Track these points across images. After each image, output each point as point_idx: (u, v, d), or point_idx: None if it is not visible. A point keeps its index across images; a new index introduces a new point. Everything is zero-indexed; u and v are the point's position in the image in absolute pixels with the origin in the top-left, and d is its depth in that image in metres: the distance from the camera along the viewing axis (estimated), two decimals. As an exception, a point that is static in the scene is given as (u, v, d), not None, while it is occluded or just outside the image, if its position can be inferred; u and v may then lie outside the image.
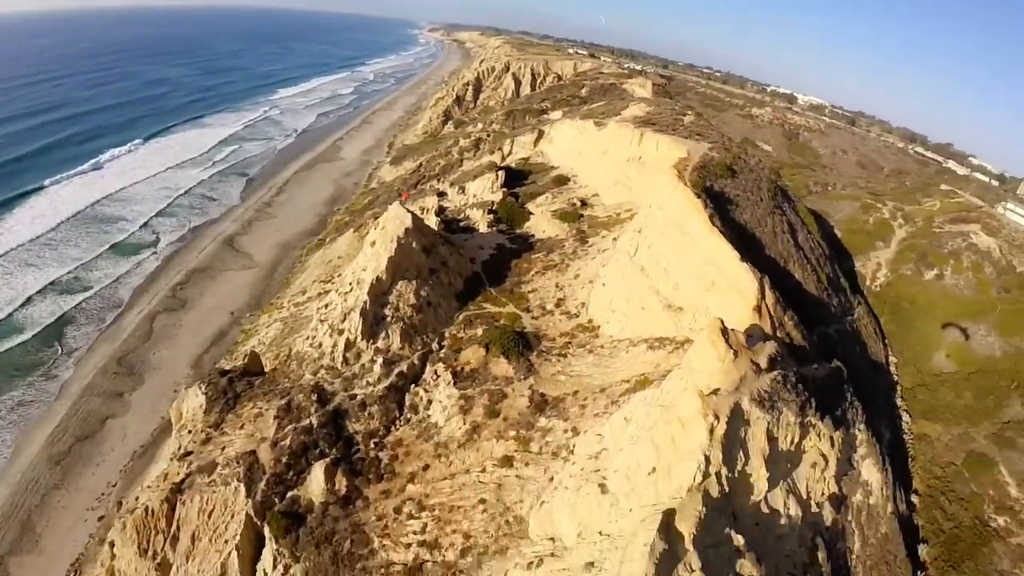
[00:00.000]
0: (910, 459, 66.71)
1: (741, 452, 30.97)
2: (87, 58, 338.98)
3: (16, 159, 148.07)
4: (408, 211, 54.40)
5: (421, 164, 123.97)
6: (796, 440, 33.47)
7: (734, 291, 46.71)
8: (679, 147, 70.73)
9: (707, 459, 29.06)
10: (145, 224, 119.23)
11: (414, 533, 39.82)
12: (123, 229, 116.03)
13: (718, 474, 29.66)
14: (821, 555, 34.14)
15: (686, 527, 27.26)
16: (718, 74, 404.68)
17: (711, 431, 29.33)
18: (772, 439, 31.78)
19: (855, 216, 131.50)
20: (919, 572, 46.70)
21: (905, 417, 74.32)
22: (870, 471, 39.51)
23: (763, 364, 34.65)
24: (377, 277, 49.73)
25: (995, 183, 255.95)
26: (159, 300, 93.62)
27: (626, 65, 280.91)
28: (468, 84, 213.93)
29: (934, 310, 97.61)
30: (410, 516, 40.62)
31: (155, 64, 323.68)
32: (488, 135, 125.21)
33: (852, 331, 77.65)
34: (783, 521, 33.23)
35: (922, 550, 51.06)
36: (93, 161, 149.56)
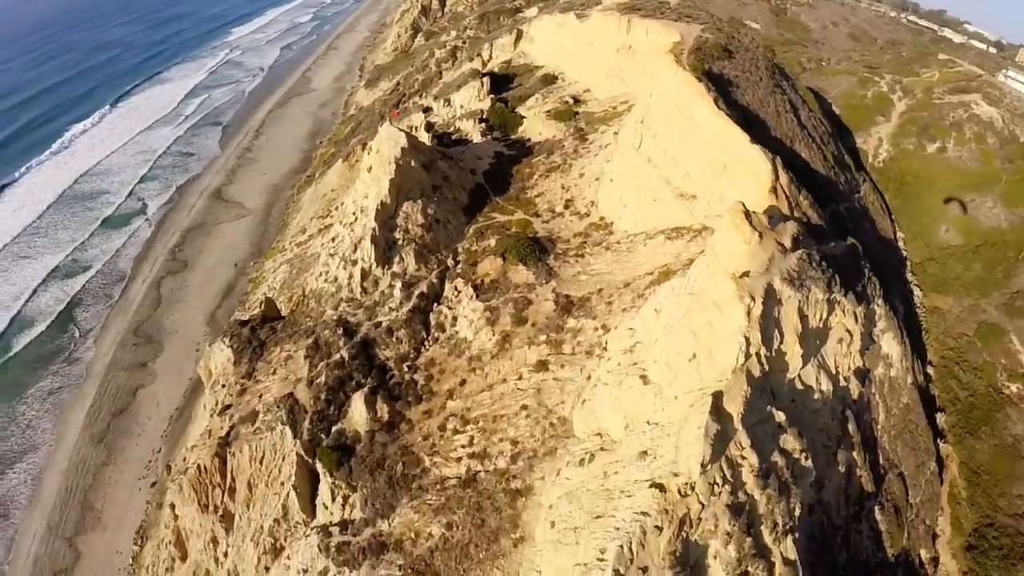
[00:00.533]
0: (924, 332, 67.01)
1: (776, 331, 31.21)
2: (20, 38, 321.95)
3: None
4: (401, 130, 52.30)
5: (399, 83, 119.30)
6: (824, 317, 33.77)
7: (747, 174, 45.60)
8: (671, 31, 67.17)
9: (747, 340, 29.43)
10: (130, 193, 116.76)
11: (462, 447, 40.38)
12: (109, 202, 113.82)
13: (758, 354, 30.05)
14: (851, 427, 35.11)
15: (734, 407, 27.85)
16: None
17: (748, 312, 29.49)
18: (803, 317, 32.09)
19: (853, 91, 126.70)
20: (938, 439, 47.77)
21: (916, 291, 74.35)
22: (890, 344, 40.04)
23: (787, 244, 34.44)
24: (381, 202, 48.40)
25: (993, 50, 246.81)
26: (160, 265, 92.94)
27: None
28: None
29: (939, 183, 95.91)
30: (455, 431, 41.13)
31: (95, 29, 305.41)
32: (464, 42, 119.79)
33: (860, 208, 77.02)
34: (816, 396, 33.75)
35: (940, 418, 51.91)
36: (60, 141, 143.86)
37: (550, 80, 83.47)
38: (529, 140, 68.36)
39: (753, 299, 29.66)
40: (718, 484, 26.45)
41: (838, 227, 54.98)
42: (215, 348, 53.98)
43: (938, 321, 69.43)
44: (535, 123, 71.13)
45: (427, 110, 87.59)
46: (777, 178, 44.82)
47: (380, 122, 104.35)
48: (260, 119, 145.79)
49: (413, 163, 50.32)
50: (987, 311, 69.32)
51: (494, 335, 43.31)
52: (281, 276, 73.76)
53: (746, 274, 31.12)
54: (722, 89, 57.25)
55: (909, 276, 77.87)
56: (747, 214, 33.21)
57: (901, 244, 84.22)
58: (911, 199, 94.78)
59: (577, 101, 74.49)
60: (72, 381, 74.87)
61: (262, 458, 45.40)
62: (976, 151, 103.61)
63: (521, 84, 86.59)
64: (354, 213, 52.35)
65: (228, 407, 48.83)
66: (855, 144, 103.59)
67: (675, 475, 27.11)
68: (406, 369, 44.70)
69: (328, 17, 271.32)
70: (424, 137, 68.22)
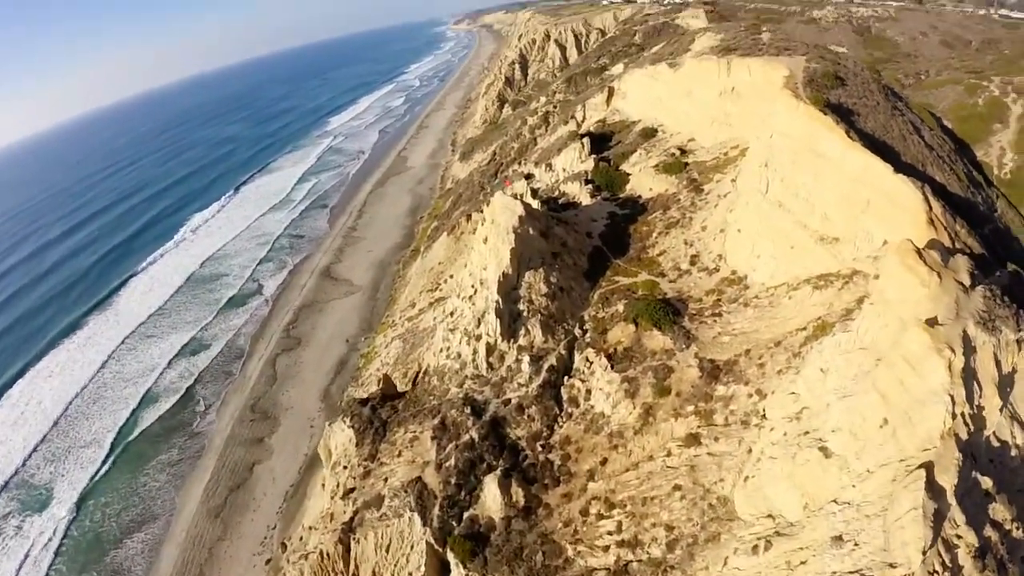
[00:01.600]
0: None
1: (975, 384, 26.55)
2: (152, 138, 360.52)
3: (116, 246, 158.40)
4: (516, 197, 50.96)
5: (495, 153, 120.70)
6: (1014, 360, 28.63)
7: (895, 207, 41.14)
8: (776, 67, 63.83)
9: (952, 399, 25.13)
10: (248, 275, 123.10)
11: (609, 534, 36.74)
12: (229, 284, 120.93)
13: (962, 413, 25.55)
14: (1052, 488, 29.44)
15: (947, 479, 23.64)
16: None
17: (949, 366, 25.29)
18: (997, 363, 27.28)
19: (961, 101, 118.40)
20: None
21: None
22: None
23: (967, 281, 29.85)
24: (503, 273, 46.64)
25: None
26: (276, 342, 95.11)
27: (666, 1, 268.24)
28: (514, 63, 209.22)
29: None
30: (600, 516, 37.58)
31: (213, 127, 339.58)
32: (554, 106, 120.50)
33: (1004, 228, 70.37)
34: (1013, 453, 28.43)
35: None
36: (184, 229, 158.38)
37: (650, 134, 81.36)
38: (640, 197, 65.85)
39: (953, 351, 25.73)
40: (937, 571, 22.08)
41: (989, 253, 49.52)
42: (335, 428, 52.83)
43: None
44: (643, 178, 68.71)
45: (529, 176, 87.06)
46: (930, 208, 40.16)
47: (480, 193, 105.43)
48: (362, 199, 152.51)
49: (531, 231, 48.63)
50: None
51: (635, 408, 39.86)
52: (394, 352, 73.14)
53: (934, 321, 27.11)
54: (846, 119, 53.41)
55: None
56: (919, 252, 29.54)
57: (1054, 265, 76.29)
58: None
59: (683, 152, 71.73)
60: (192, 454, 76.75)
61: (388, 546, 43.03)
62: None
63: (620, 141, 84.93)
64: (472, 286, 50.83)
65: (352, 490, 47.12)
66: (975, 157, 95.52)
67: (891, 566, 23.07)
68: (540, 449, 41.72)
69: (418, 99, 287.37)
70: (532, 201, 66.91)
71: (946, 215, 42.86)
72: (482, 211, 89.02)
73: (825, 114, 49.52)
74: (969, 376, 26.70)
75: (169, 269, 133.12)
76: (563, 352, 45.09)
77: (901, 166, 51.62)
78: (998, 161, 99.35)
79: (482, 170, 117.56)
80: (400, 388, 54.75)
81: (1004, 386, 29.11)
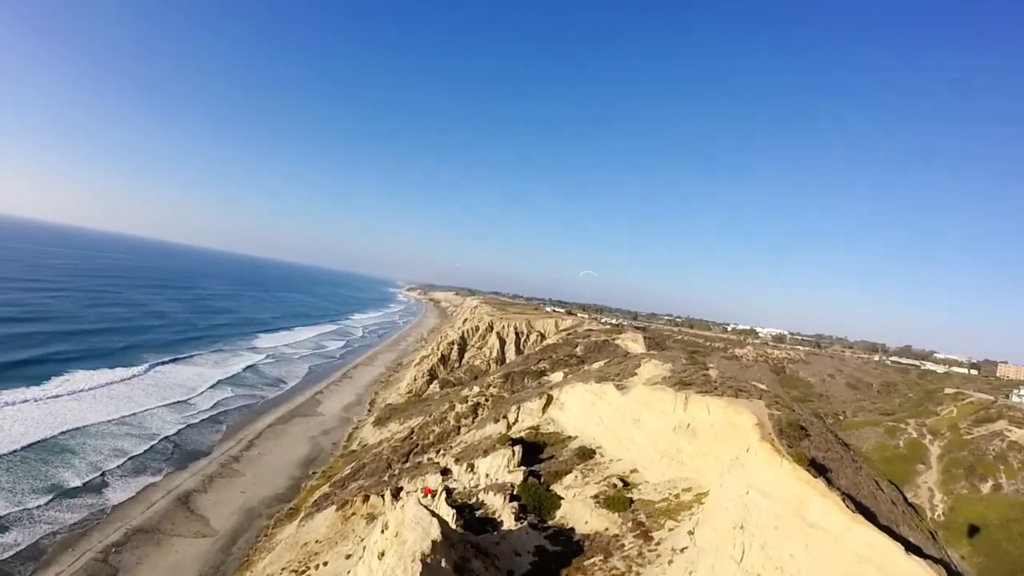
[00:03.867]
0: None
1: None
2: (87, 276, 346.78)
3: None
4: (433, 514, 40.17)
5: (412, 431, 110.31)
6: None
7: (908, 594, 33.15)
8: (739, 410, 59.41)
9: None
10: (99, 468, 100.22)
11: None
12: (73, 469, 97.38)
13: None
14: None
15: None
16: (679, 319, 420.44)
17: None
18: None
19: (884, 443, 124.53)
20: None
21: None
22: None
23: None
24: (395, 622, 34.00)
25: (974, 372, 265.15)
26: (84, 563, 73.02)
27: (604, 320, 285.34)
28: (453, 343, 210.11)
29: (1014, 527, 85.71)
30: None
31: (151, 294, 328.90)
32: (487, 399, 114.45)
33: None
34: None
35: None
36: (62, 381, 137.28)
37: (587, 454, 74.14)
38: (574, 531, 55.49)
39: None
40: None
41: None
42: None
43: None
44: (579, 509, 59.09)
45: (446, 472, 76.25)
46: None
47: (386, 472, 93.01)
48: (258, 429, 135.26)
49: (444, 563, 37.09)
50: None
51: None
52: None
53: None
54: (823, 476, 47.21)
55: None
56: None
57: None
58: (999, 556, 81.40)
59: (626, 484, 63.61)
60: None
61: None
62: None
63: (554, 456, 77.02)
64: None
65: None
66: (907, 499, 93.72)
67: None
68: None
69: (355, 348, 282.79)
70: (444, 510, 55.64)
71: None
72: (383, 497, 76.60)
73: (814, 476, 43.24)
74: None
75: (17, 420, 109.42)
76: None
77: (880, 528, 45.16)
78: (928, 503, 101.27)
79: (394, 445, 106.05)
80: None
81: None
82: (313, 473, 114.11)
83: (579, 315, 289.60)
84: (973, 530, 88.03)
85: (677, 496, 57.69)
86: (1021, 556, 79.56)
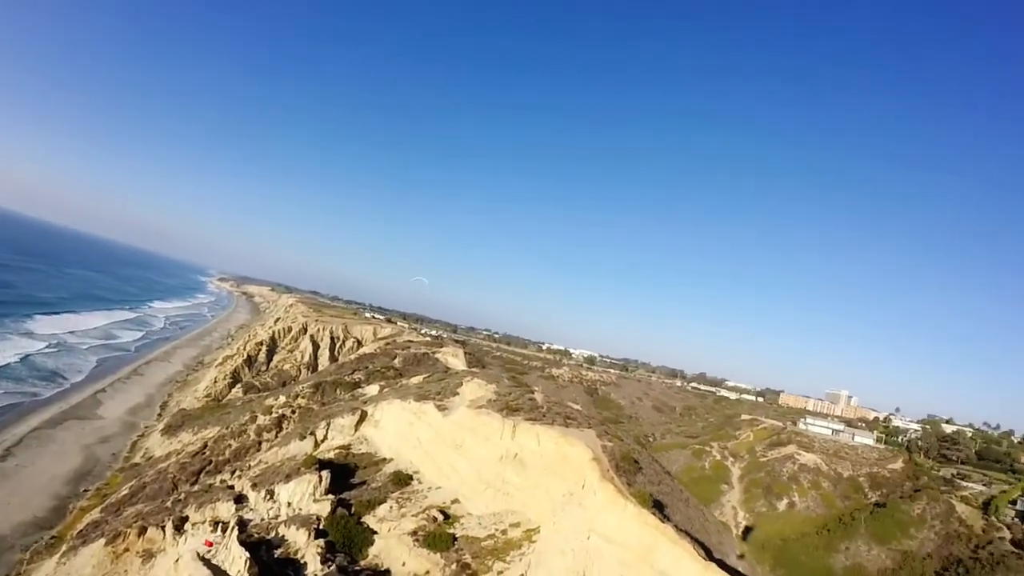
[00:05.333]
0: None
1: None
2: None
3: None
4: (213, 570, 30.95)
5: (207, 444, 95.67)
6: None
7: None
8: (573, 442, 55.76)
9: None
10: None
11: None
12: None
13: None
14: None
15: None
16: (497, 335, 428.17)
17: None
18: None
19: (691, 465, 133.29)
20: None
21: None
22: None
23: None
24: None
25: (760, 399, 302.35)
26: None
27: (424, 331, 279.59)
28: (262, 343, 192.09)
29: (806, 541, 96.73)
30: None
31: None
32: (293, 411, 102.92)
33: None
34: None
35: None
36: None
37: (403, 481, 67.24)
38: (390, 574, 48.42)
39: None
40: None
41: None
42: None
43: None
44: (395, 547, 51.99)
45: (240, 499, 64.95)
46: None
47: (169, 497, 78.79)
48: (19, 435, 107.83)
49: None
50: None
51: None
52: None
53: None
54: (663, 514, 44.59)
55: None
56: None
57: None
58: (794, 565, 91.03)
59: (447, 517, 57.63)
60: None
61: None
62: (819, 497, 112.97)
63: (366, 481, 69.18)
64: None
65: None
66: (715, 519, 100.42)
67: None
68: None
69: (153, 341, 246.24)
70: (236, 552, 45.85)
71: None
72: (163, 529, 63.55)
73: (662, 520, 39.88)
74: None
75: None
76: None
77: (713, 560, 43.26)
78: (733, 520, 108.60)
79: (183, 461, 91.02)
80: None
81: None
82: (84, 491, 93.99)
83: (399, 324, 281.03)
84: (775, 546, 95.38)
85: (504, 532, 52.69)
86: (816, 567, 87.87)
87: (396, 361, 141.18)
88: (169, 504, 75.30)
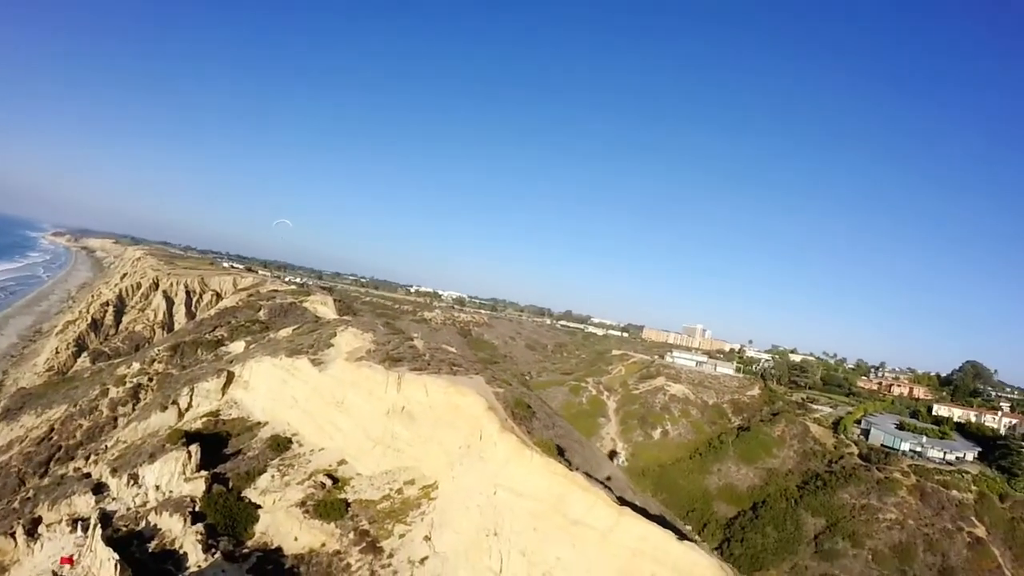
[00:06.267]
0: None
1: None
2: None
3: None
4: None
5: (53, 427, 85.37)
6: None
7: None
8: (464, 391, 54.01)
9: None
10: None
11: None
12: None
13: None
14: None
15: None
16: (364, 280, 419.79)
17: None
18: None
19: (570, 401, 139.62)
20: None
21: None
22: None
23: None
24: None
25: (625, 335, 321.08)
26: None
27: (288, 279, 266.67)
28: (108, 304, 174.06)
29: (680, 467, 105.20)
30: None
31: None
32: (151, 379, 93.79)
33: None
34: None
35: None
36: None
37: (282, 445, 62.92)
38: (283, 554, 45.23)
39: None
40: None
41: None
42: None
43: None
44: (284, 521, 48.60)
45: (100, 489, 58.22)
46: None
47: (16, 495, 69.79)
48: None
49: None
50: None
51: None
52: None
53: None
54: (566, 460, 44.51)
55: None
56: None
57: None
58: (673, 488, 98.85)
59: (336, 481, 54.70)
60: None
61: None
62: (689, 425, 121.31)
63: (242, 451, 64.11)
64: None
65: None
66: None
67: None
68: None
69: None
70: (103, 554, 40.82)
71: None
72: (13, 537, 55.79)
73: (571, 468, 39.39)
74: None
75: None
76: None
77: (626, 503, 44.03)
78: (612, 451, 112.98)
79: (27, 451, 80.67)
80: None
81: None
82: None
83: (261, 273, 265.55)
84: (653, 472, 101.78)
85: (400, 491, 50.69)
86: (692, 488, 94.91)
87: (261, 313, 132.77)
88: (16, 504, 66.71)
